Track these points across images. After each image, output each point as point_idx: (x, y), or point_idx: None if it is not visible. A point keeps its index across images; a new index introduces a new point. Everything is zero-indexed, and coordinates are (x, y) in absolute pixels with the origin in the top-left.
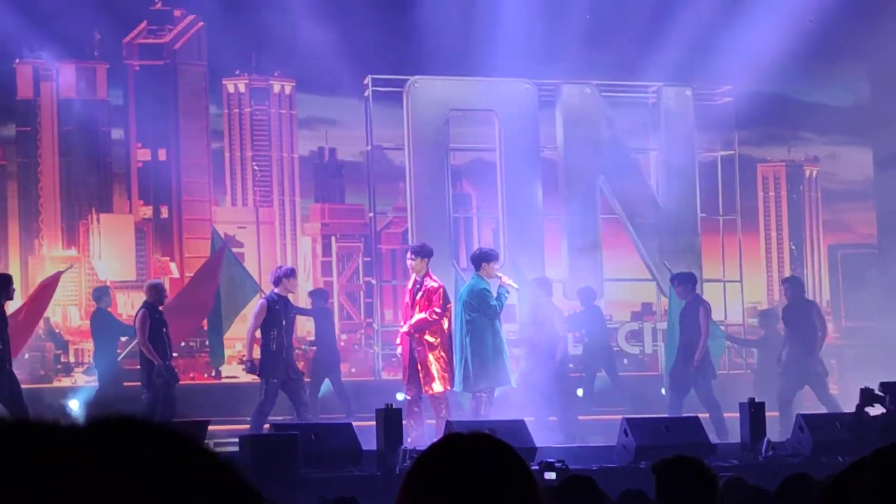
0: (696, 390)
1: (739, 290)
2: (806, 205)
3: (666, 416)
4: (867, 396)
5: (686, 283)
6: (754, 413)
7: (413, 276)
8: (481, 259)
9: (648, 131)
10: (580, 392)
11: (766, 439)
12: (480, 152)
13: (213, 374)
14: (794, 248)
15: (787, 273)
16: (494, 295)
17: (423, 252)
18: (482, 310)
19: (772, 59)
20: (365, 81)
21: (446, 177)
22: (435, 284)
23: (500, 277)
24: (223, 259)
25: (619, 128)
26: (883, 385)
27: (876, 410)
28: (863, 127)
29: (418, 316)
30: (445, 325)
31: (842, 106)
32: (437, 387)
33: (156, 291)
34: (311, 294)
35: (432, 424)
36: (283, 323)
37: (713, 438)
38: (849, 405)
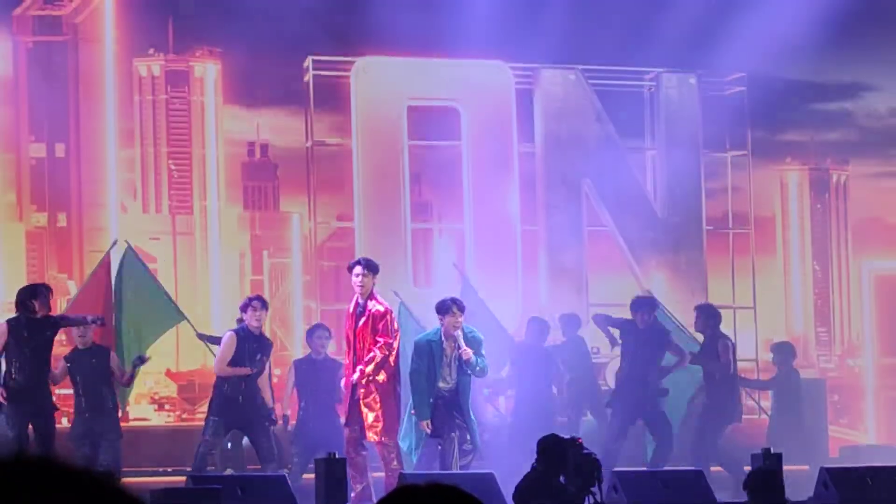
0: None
1: (753, 319)
2: (833, 216)
3: (666, 469)
4: None
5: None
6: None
7: (355, 298)
8: (437, 310)
9: (645, 126)
10: None
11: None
12: (444, 150)
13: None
14: (818, 267)
15: (810, 297)
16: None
17: (374, 267)
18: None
19: (793, 41)
20: (305, 64)
21: (402, 179)
22: (381, 308)
23: (458, 342)
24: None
25: (610, 122)
26: (542, 440)
27: None
28: None
29: (370, 356)
30: (392, 359)
31: (879, 99)
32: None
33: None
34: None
35: (381, 478)
36: None
37: (727, 496)
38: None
